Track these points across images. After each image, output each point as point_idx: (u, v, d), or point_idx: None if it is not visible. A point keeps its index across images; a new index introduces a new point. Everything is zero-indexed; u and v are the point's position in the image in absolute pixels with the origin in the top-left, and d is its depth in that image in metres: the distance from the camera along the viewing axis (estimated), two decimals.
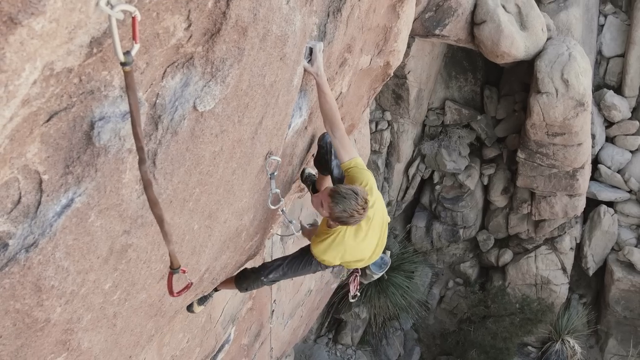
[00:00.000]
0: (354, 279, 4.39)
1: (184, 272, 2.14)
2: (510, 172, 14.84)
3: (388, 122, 14.63)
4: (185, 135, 2.20)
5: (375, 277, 4.38)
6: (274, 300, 7.09)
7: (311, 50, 3.42)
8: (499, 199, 15.16)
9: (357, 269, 4.30)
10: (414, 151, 15.51)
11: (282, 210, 3.93)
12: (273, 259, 4.71)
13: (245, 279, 4.50)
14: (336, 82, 4.29)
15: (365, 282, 4.52)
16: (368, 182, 3.69)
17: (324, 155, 4.21)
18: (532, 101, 12.14)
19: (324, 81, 3.57)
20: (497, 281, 15.54)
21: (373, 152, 14.20)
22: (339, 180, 4.14)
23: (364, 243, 3.85)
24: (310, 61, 3.46)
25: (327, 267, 4.14)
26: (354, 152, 3.78)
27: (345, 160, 3.72)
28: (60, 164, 1.74)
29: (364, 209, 3.46)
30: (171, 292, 2.28)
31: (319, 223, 4.10)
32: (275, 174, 3.48)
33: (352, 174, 3.70)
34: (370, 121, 13.99)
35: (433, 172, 15.63)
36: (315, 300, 10.87)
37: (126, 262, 2.26)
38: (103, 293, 2.24)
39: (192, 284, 2.41)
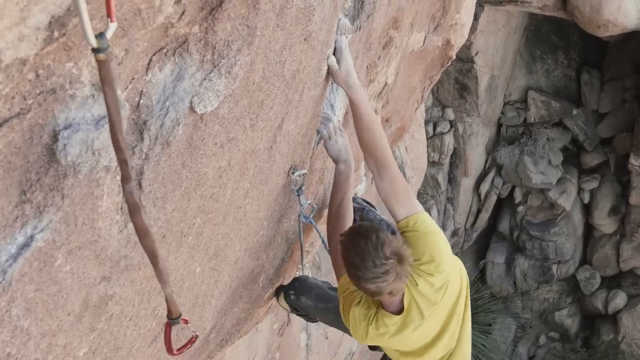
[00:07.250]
0: None
1: (185, 322, 2.13)
2: (620, 185, 14.82)
3: (450, 122, 14.68)
4: (181, 147, 2.19)
5: None
6: None
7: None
8: (605, 223, 15.10)
9: None
10: (486, 161, 15.55)
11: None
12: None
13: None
14: (379, 69, 4.29)
15: None
16: (433, 254, 3.13)
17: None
18: None
19: (359, 96, 3.20)
20: (607, 335, 15.41)
21: (431, 163, 14.15)
22: None
23: (418, 331, 3.38)
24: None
25: None
26: (416, 204, 3.28)
27: (401, 216, 3.20)
28: (14, 189, 1.73)
29: (384, 273, 2.82)
30: (170, 350, 2.26)
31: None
32: (303, 187, 3.44)
33: (410, 240, 3.12)
34: (427, 122, 13.94)
35: (514, 188, 15.64)
36: None
37: (106, 319, 2.25)
38: None
39: (196, 337, 2.41)
